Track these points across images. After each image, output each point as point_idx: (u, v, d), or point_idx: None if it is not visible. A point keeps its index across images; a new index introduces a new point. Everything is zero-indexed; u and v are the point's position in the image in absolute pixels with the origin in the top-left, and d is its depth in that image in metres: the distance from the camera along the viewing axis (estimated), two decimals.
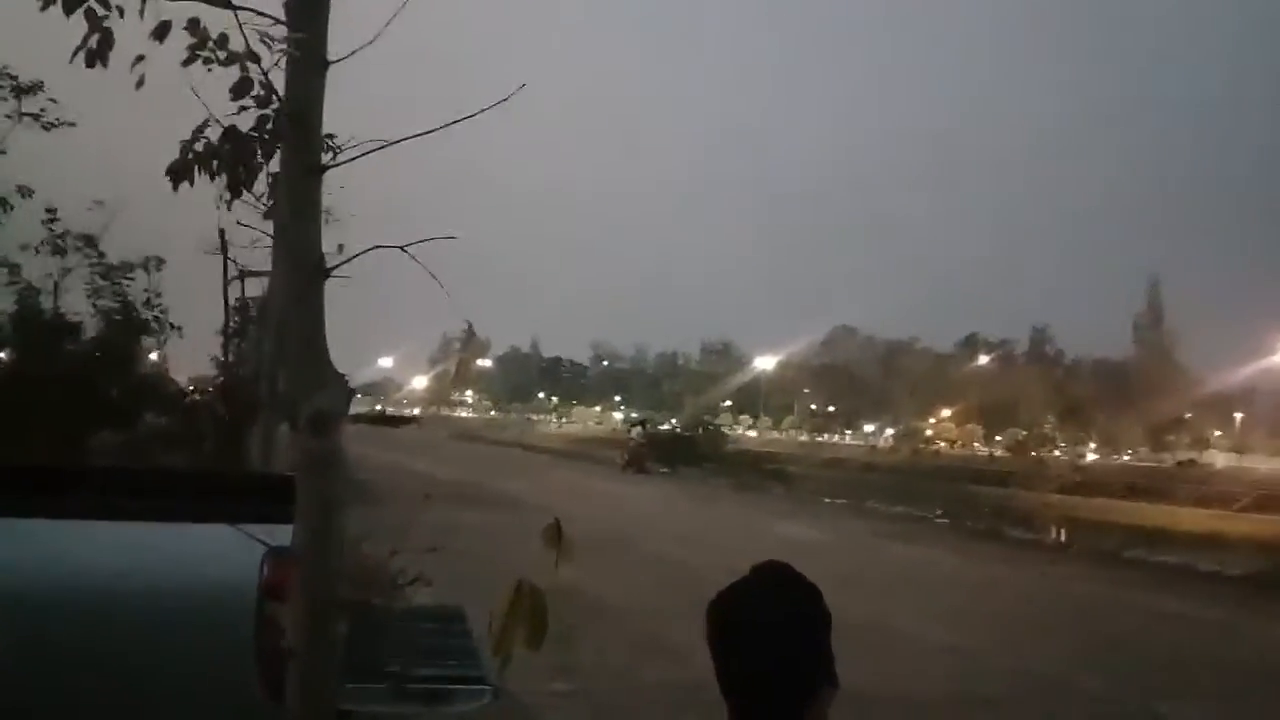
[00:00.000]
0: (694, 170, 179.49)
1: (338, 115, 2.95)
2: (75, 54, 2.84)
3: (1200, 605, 13.96)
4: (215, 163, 2.96)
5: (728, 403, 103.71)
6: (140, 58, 2.83)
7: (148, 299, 17.40)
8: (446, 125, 3.05)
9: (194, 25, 2.82)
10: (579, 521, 2.53)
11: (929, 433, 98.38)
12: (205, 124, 2.94)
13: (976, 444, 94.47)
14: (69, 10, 2.79)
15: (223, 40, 2.83)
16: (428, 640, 4.86)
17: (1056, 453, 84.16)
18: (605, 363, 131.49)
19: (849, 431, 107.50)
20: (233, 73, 2.87)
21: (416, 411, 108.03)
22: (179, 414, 17.70)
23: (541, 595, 2.24)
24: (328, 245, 2.92)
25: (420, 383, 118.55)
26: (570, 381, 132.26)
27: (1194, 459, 76.77)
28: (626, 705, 7.98)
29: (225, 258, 18.29)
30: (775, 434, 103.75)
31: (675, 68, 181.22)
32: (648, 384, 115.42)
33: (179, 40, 2.81)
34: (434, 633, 5.05)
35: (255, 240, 14.81)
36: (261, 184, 3.05)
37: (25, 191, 15.44)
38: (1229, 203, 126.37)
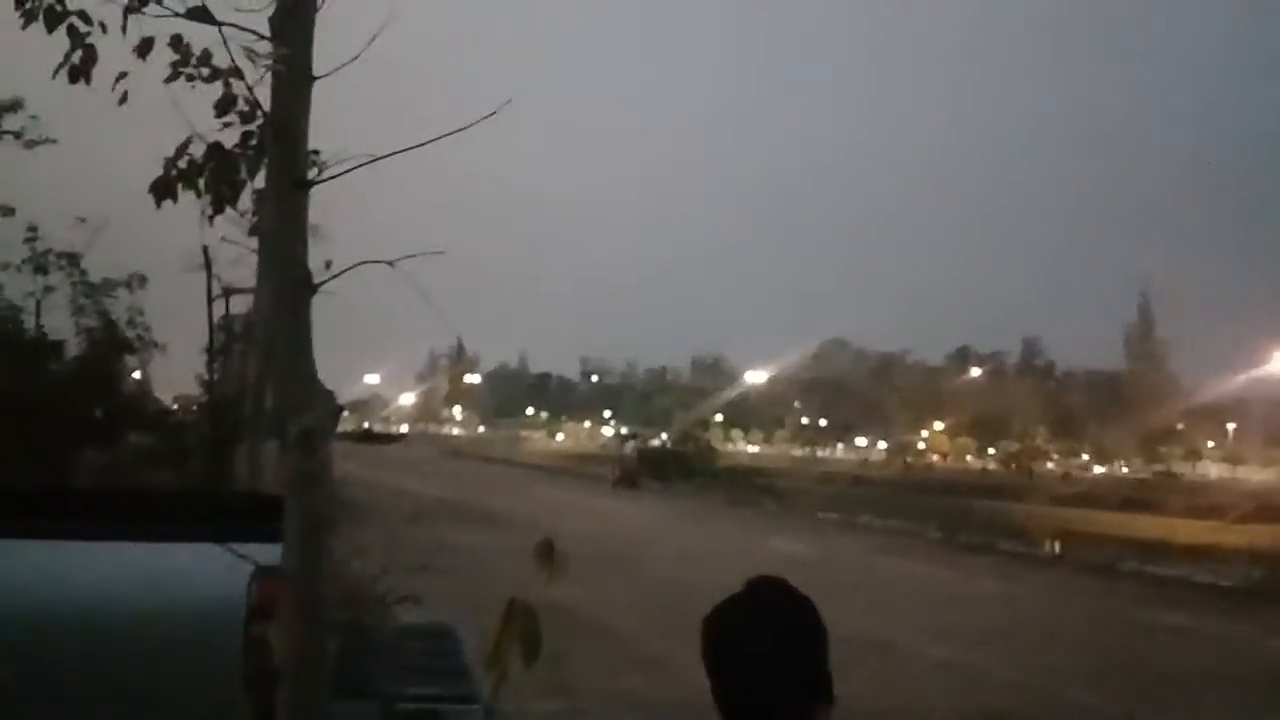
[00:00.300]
0: (684, 184, 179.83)
1: (323, 130, 2.93)
2: (58, 71, 2.82)
3: (1197, 617, 13.96)
4: (200, 179, 2.94)
5: (719, 417, 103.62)
6: (123, 74, 2.81)
7: (131, 317, 17.36)
8: (433, 140, 3.04)
9: (177, 42, 2.81)
10: (571, 540, 2.50)
11: (921, 446, 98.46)
12: (189, 140, 2.92)
13: (969, 457, 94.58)
14: (51, 27, 2.77)
15: (206, 56, 2.81)
16: (418, 659, 4.83)
17: (1050, 465, 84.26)
18: (595, 378, 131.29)
19: (841, 445, 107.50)
20: (217, 88, 2.86)
21: (404, 429, 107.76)
22: (163, 433, 17.62)
23: (535, 614, 2.23)
24: (314, 261, 2.90)
25: (407, 399, 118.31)
26: (559, 397, 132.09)
27: (1171, 470, 77.05)
28: None
29: (209, 275, 18.22)
30: (767, 448, 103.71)
31: (666, 83, 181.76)
32: (638, 399, 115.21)
33: (163, 56, 2.80)
34: (424, 651, 5.01)
35: (239, 257, 14.79)
36: (246, 200, 3.03)
37: (6, 210, 15.39)
38: (1222, 212, 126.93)
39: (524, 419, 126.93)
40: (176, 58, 2.80)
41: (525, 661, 2.22)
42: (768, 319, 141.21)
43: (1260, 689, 10.01)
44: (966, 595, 15.81)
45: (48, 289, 16.64)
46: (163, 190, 2.94)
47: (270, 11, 2.81)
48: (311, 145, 2.92)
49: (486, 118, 3.04)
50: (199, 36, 2.81)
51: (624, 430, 70.79)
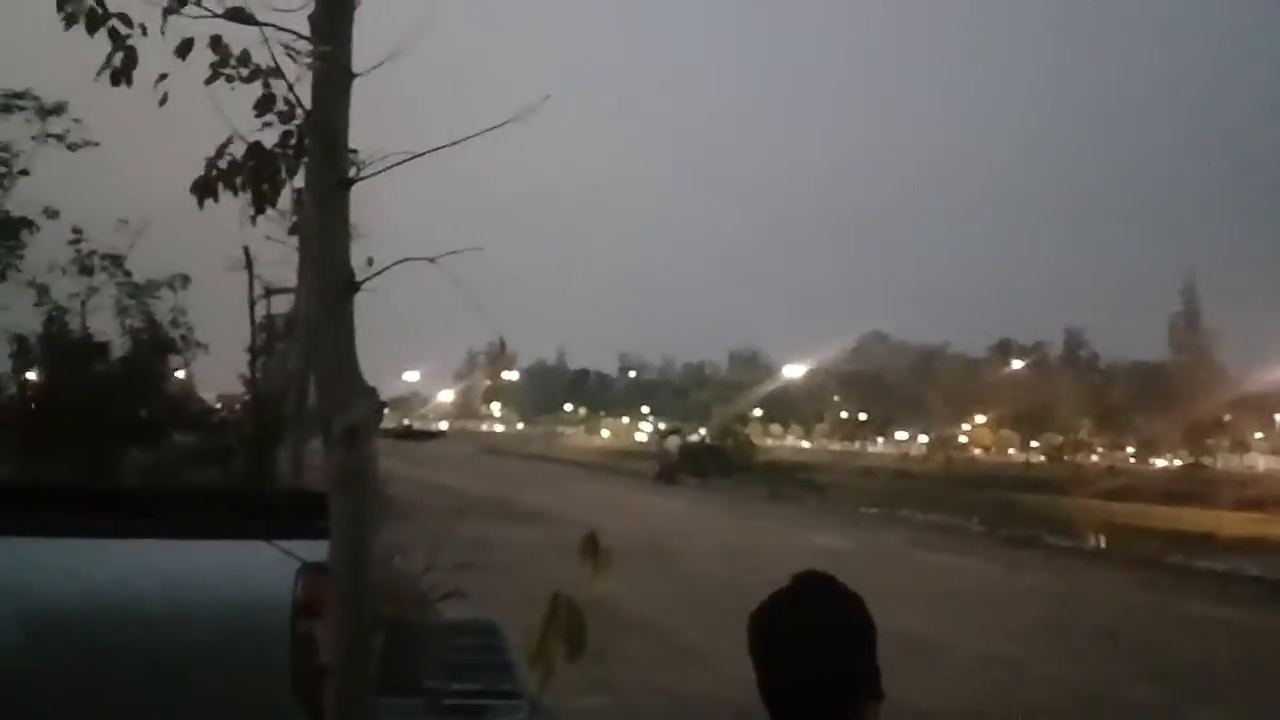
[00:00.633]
0: (720, 179, 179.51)
1: (360, 129, 2.94)
2: (100, 73, 2.85)
3: (1251, 611, 13.73)
4: (240, 179, 2.95)
5: (757, 412, 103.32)
6: (163, 76, 2.83)
7: (174, 317, 17.53)
8: (470, 137, 3.03)
9: (216, 42, 2.82)
10: (611, 535, 2.49)
11: (963, 439, 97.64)
12: (229, 140, 2.94)
13: (1011, 450, 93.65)
14: (92, 30, 2.80)
15: (245, 56, 2.83)
16: (463, 655, 4.84)
17: (1094, 458, 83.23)
18: (632, 374, 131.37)
19: (881, 439, 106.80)
20: (256, 88, 2.87)
21: (443, 425, 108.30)
22: (207, 431, 17.79)
23: (579, 609, 2.22)
24: (354, 259, 2.90)
25: (446, 396, 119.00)
26: (597, 393, 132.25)
27: (1199, 462, 75.91)
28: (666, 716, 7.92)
29: (251, 274, 18.38)
30: (806, 443, 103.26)
31: (698, 78, 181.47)
32: (675, 394, 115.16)
33: (202, 57, 2.81)
34: (469, 648, 5.02)
35: (282, 257, 14.90)
36: (286, 200, 3.04)
37: (51, 213, 15.61)
38: (1266, 198, 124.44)
39: (562, 415, 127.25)
40: (216, 58, 2.81)
41: (570, 656, 2.22)
42: (806, 313, 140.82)
43: None
44: (1012, 589, 15.65)
45: (92, 290, 16.85)
46: (204, 190, 2.96)
47: (309, 10, 2.82)
48: (350, 144, 2.92)
49: (523, 114, 3.03)
50: (238, 37, 2.82)
51: (663, 426, 70.81)
